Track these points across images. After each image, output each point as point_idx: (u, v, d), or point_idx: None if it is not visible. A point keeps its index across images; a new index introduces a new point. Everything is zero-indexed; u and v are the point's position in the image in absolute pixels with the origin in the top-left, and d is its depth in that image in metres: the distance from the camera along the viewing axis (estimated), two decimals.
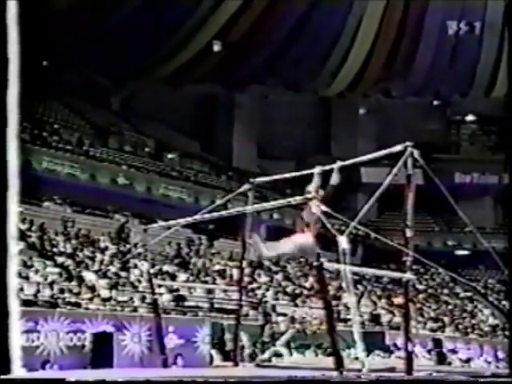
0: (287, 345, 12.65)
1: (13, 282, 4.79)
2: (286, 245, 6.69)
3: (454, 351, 16.67)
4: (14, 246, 4.87)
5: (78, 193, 20.18)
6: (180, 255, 19.51)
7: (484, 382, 6.05)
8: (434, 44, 25.33)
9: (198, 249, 20.83)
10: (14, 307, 4.76)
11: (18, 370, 4.81)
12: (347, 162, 7.34)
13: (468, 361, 15.94)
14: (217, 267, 19.09)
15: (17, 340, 4.79)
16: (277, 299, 17.86)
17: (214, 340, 12.07)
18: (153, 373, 7.54)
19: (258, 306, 15.86)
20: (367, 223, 23.03)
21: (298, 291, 19.43)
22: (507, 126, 6.23)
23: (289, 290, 19.48)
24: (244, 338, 11.66)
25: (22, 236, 15.31)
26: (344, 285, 6.60)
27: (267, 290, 18.35)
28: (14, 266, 4.82)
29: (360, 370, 6.21)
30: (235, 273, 16.34)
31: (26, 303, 11.20)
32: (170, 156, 25.64)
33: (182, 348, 11.43)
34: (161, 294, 13.38)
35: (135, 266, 16.07)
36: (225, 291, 16.11)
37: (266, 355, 11.60)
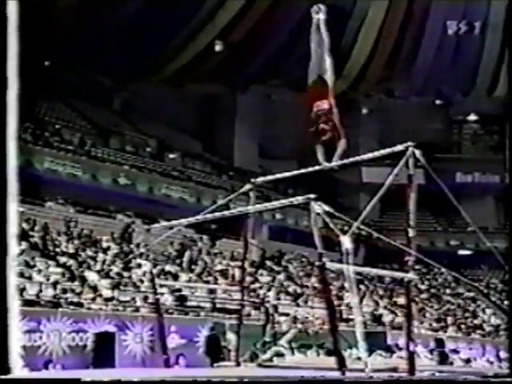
0: (289, 344, 12.63)
1: (13, 281, 4.79)
2: None
3: (456, 351, 16.63)
4: (14, 246, 4.87)
5: (79, 193, 20.19)
6: (182, 255, 19.50)
7: (484, 381, 6.05)
8: (436, 43, 25.30)
9: (200, 249, 20.83)
10: (14, 307, 4.75)
11: (17, 370, 4.81)
12: (349, 160, 7.34)
13: (470, 361, 15.90)
14: (219, 267, 19.08)
15: (17, 340, 4.78)
16: (279, 299, 17.85)
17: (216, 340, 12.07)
18: (155, 373, 7.53)
19: (259, 305, 15.84)
20: (370, 223, 23.00)
21: (300, 291, 19.42)
22: (507, 125, 6.24)
23: (291, 289, 19.47)
24: (232, 338, 11.68)
25: (25, 236, 15.32)
26: (347, 285, 6.59)
27: (269, 289, 18.33)
28: (13, 265, 4.82)
29: (362, 370, 6.20)
30: (237, 273, 16.33)
31: (28, 303, 11.21)
32: (171, 156, 25.64)
33: (183, 348, 11.44)
34: (163, 294, 13.38)
35: (138, 266, 16.07)
36: (227, 291, 16.10)
37: (268, 355, 11.57)
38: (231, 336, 11.60)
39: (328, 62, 6.70)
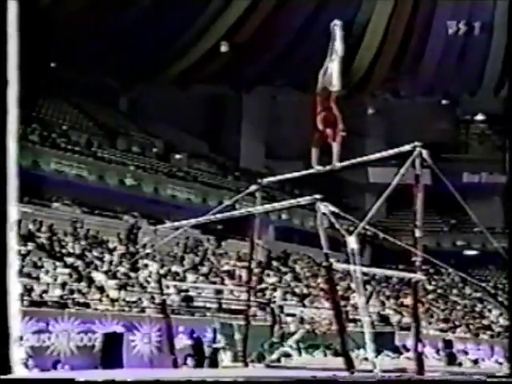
0: (296, 345, 12.61)
1: (14, 282, 4.80)
2: None
3: (464, 352, 16.55)
4: (16, 247, 4.88)
5: (86, 194, 20.26)
6: (188, 256, 19.51)
7: (486, 381, 6.03)
8: (442, 43, 25.24)
9: (206, 249, 20.84)
10: (15, 307, 4.76)
11: (23, 370, 4.82)
12: (356, 160, 7.33)
13: (478, 362, 15.81)
14: (225, 268, 19.09)
15: (18, 340, 4.80)
16: (285, 299, 17.84)
17: (224, 340, 12.08)
18: (162, 373, 7.55)
19: (266, 306, 15.83)
20: (376, 223, 22.95)
21: (306, 291, 19.40)
22: (508, 125, 6.23)
23: (297, 290, 19.45)
24: (221, 339, 11.69)
25: (32, 237, 15.40)
26: (354, 285, 6.58)
27: (275, 290, 18.32)
28: (15, 266, 4.83)
29: (370, 371, 6.19)
30: (243, 273, 16.33)
31: (36, 304, 11.25)
32: (177, 157, 25.68)
33: (191, 348, 11.44)
34: (169, 294, 13.39)
35: (144, 267, 16.09)
36: (233, 292, 16.10)
37: (275, 355, 11.56)
38: (238, 336, 11.61)
39: (335, 75, 6.85)
